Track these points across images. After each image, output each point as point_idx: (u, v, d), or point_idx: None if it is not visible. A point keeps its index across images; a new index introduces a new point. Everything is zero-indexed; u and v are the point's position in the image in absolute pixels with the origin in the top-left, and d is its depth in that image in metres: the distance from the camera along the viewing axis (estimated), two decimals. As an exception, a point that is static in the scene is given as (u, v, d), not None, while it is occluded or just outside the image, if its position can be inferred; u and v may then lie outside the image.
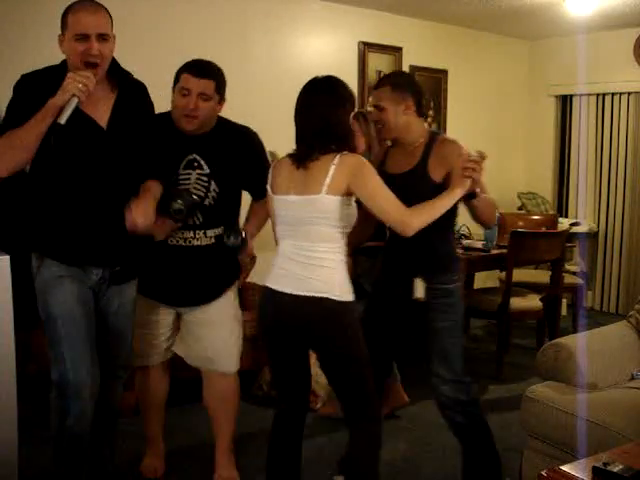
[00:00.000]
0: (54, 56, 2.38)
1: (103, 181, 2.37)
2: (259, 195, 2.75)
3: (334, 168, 2.23)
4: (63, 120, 2.20)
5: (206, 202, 2.70)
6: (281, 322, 2.34)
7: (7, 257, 2.45)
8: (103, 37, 2.28)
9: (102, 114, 2.37)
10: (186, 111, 2.61)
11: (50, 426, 2.48)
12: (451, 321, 2.65)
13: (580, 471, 1.74)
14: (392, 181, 2.54)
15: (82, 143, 2.34)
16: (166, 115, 2.70)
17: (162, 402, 3.00)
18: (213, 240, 2.75)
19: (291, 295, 2.29)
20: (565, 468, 1.77)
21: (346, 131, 2.31)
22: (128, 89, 2.45)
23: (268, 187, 2.40)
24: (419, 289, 2.79)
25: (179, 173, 2.68)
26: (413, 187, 2.56)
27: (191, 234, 2.71)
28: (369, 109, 2.76)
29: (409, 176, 2.61)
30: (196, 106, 2.60)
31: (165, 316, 2.84)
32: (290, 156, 2.34)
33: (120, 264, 2.50)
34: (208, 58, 2.66)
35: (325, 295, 2.25)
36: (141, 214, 2.40)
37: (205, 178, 2.69)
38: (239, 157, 2.73)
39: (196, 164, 2.69)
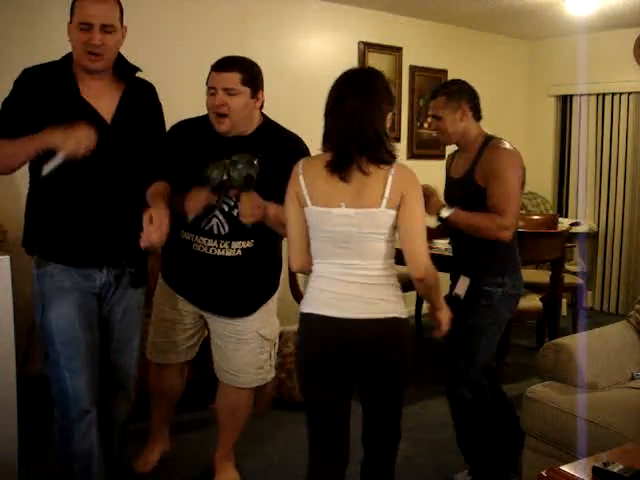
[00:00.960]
0: (59, 51, 2.36)
1: (106, 176, 2.30)
2: None
3: (392, 179, 1.97)
4: (45, 172, 2.12)
5: (234, 212, 2.51)
6: (345, 351, 2.04)
7: (7, 257, 2.44)
8: (107, 28, 2.21)
9: (107, 108, 2.30)
10: (214, 109, 2.49)
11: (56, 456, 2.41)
12: (485, 322, 2.69)
13: (580, 471, 1.74)
14: (451, 184, 2.76)
15: None
16: (205, 118, 2.59)
17: (175, 401, 2.97)
18: (239, 252, 2.57)
19: (358, 320, 2.01)
20: (565, 468, 1.77)
21: (379, 134, 1.98)
22: (136, 86, 2.39)
23: (304, 197, 2.04)
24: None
25: None
26: (462, 192, 2.67)
27: (215, 243, 2.56)
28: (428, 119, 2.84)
29: (460, 181, 2.71)
30: (222, 102, 2.45)
31: (188, 313, 2.74)
32: (326, 163, 2.00)
33: (130, 264, 2.39)
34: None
35: (395, 315, 2.04)
36: (155, 231, 2.20)
37: None
38: (276, 165, 2.39)
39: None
